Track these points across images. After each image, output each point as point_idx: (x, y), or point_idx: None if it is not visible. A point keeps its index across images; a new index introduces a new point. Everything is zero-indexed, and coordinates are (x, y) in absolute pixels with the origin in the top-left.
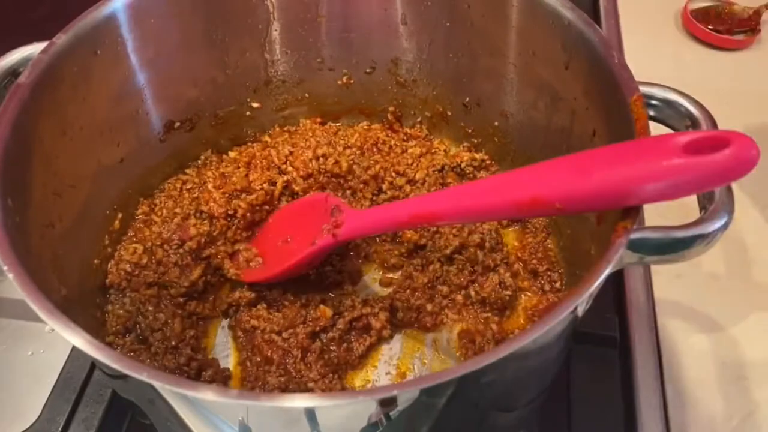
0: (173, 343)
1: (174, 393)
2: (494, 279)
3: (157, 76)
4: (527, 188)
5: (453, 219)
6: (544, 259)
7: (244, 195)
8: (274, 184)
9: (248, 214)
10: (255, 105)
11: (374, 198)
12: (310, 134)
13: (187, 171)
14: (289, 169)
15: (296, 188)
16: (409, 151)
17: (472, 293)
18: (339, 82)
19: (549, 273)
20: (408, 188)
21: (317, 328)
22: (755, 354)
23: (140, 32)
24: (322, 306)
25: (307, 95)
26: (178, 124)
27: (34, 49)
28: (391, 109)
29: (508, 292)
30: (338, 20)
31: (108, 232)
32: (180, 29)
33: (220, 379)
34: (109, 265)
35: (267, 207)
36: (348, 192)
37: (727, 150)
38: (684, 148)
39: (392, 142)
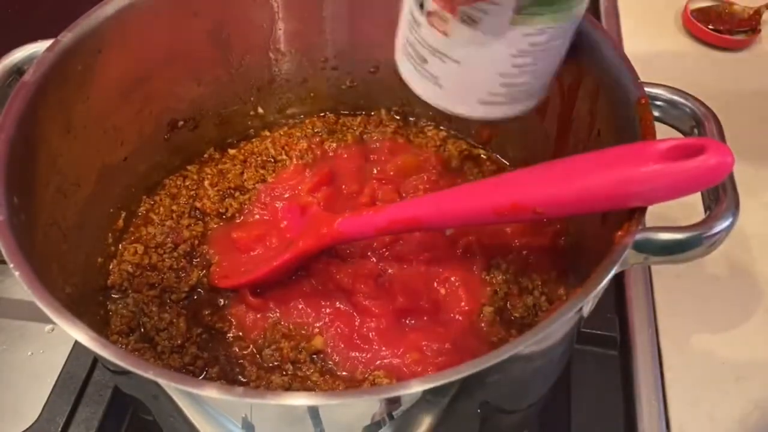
0: (179, 342)
1: (178, 390)
2: (528, 302)
3: (160, 75)
4: (508, 194)
5: (433, 224)
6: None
7: (237, 194)
8: (265, 181)
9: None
10: (258, 104)
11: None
12: (310, 127)
13: (189, 167)
14: (284, 158)
15: None
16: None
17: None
18: (343, 82)
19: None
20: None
21: (312, 350)
22: (755, 354)
23: (144, 31)
24: (317, 338)
25: (311, 94)
26: (181, 123)
27: (39, 47)
28: (395, 108)
29: (539, 319)
30: (342, 20)
31: (111, 231)
32: (184, 28)
33: (225, 377)
34: (111, 266)
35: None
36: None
37: (702, 157)
38: (663, 155)
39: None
